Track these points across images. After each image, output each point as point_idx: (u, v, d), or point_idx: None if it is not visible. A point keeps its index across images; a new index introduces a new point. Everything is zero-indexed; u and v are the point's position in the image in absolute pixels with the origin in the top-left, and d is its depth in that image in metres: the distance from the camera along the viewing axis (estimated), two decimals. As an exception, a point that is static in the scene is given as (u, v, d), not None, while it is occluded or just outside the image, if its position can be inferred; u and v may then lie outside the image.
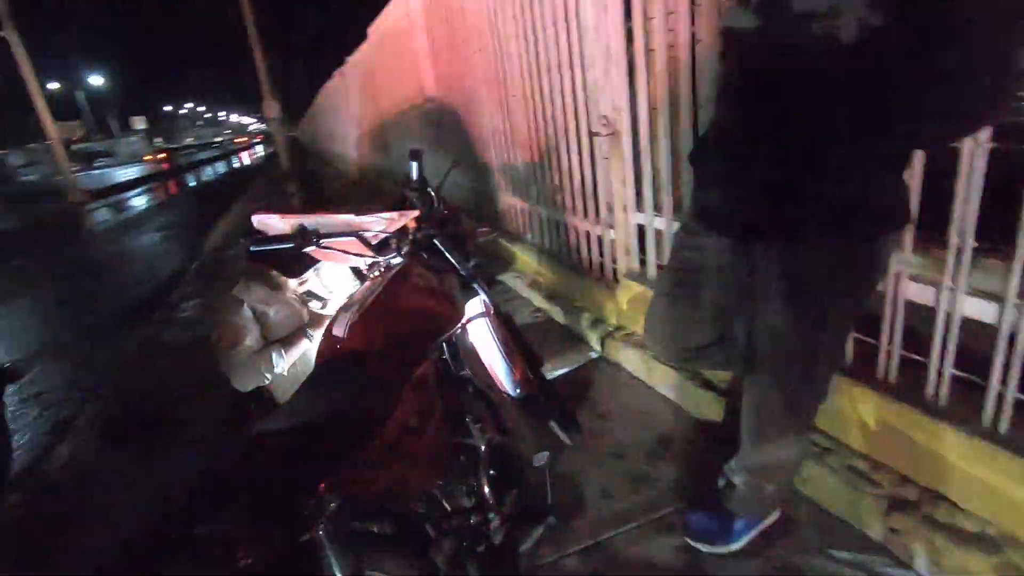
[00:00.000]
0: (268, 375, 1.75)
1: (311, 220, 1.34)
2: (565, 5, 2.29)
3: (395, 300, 1.23)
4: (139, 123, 31.40)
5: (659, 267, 2.20)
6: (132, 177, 23.06)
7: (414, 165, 1.49)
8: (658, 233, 2.14)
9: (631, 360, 2.29)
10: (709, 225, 1.22)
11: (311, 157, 21.16)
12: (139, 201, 15.08)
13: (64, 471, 2.25)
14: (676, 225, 1.98)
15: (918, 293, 1.30)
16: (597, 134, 2.23)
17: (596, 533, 1.53)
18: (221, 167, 27.68)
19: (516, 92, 3.02)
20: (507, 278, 3.58)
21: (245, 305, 1.78)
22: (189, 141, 73.90)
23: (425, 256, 1.53)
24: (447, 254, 1.56)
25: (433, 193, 1.49)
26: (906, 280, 1.31)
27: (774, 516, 1.47)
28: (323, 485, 0.82)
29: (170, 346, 3.43)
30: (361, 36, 6.96)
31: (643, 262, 2.29)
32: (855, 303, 1.18)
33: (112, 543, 0.67)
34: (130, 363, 3.29)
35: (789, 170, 1.02)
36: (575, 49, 2.31)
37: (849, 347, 1.48)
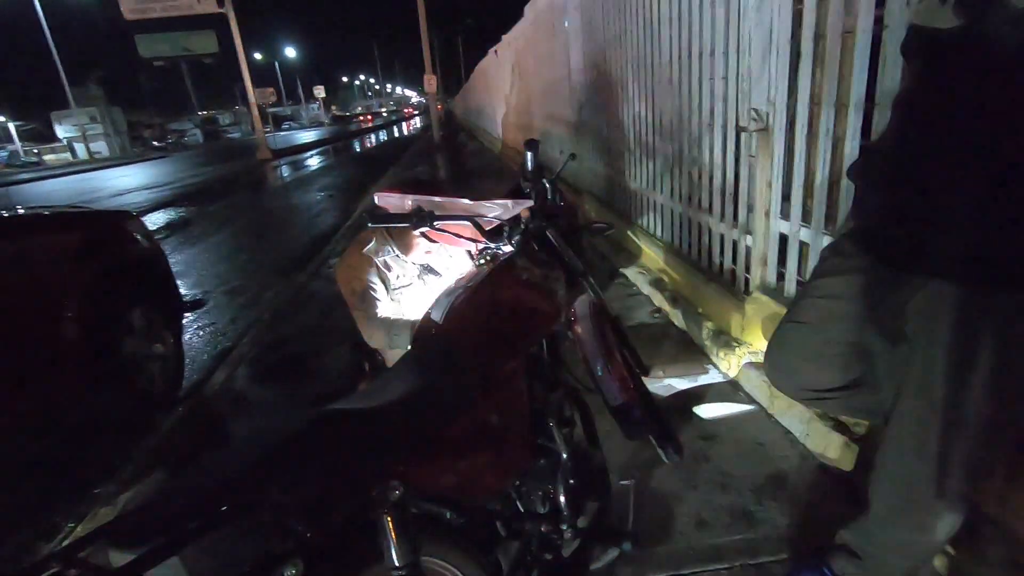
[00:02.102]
0: (394, 343, 1.83)
1: (429, 201, 1.38)
2: (727, -17, 2.08)
3: (496, 292, 1.22)
4: (319, 92, 35.15)
5: (799, 284, 1.95)
6: (310, 140, 26.00)
7: (529, 155, 1.45)
8: (803, 246, 1.89)
9: (752, 382, 2.08)
10: (868, 248, 1.03)
11: (461, 131, 22.13)
12: (312, 161, 16.92)
13: (217, 396, 2.61)
14: (825, 240, 1.73)
15: None
16: (745, 129, 2.01)
17: (680, 564, 1.42)
18: (383, 135, 30.06)
19: (663, 78, 2.84)
20: (630, 272, 3.44)
21: (374, 266, 1.88)
22: (359, 110, 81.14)
23: (535, 248, 1.50)
24: (558, 248, 1.51)
25: (548, 184, 1.44)
26: None
27: (899, 597, 1.24)
28: (391, 469, 0.83)
29: (315, 297, 3.81)
30: (519, 15, 7.03)
31: (781, 276, 2.05)
32: None
33: (231, 471, 0.73)
34: (282, 308, 3.72)
35: (1005, 200, 0.81)
36: (731, 33, 2.09)
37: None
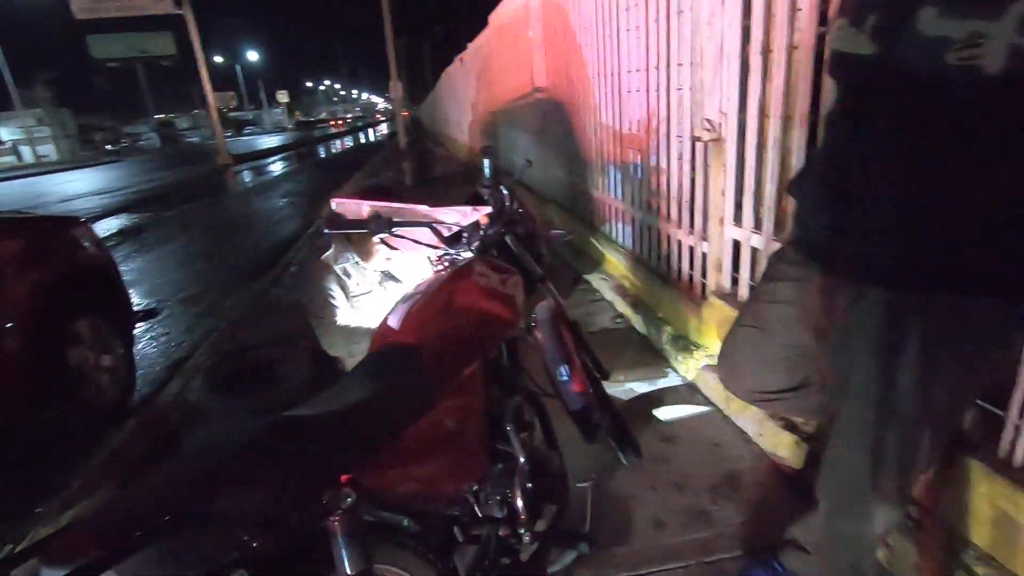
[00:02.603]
0: (350, 350, 1.82)
1: (387, 207, 1.37)
2: (681, -4, 2.15)
3: (453, 297, 1.22)
4: (282, 97, 34.42)
5: (752, 288, 2.02)
6: (273, 145, 25.46)
7: (486, 162, 1.47)
8: (754, 252, 1.96)
9: (709, 384, 2.13)
10: (808, 258, 1.07)
11: (427, 137, 22.06)
12: (275, 167, 16.58)
13: (171, 407, 2.52)
14: (775, 246, 1.80)
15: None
16: (699, 139, 2.07)
17: (639, 565, 1.44)
18: (348, 141, 29.69)
19: (623, 87, 2.91)
20: (593, 278, 3.49)
21: (333, 273, 1.86)
22: (324, 115, 79.90)
23: (495, 254, 1.51)
24: (517, 254, 1.53)
25: (506, 191, 1.46)
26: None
27: (844, 589, 1.29)
28: (345, 477, 0.82)
29: (276, 304, 3.73)
30: (485, 23, 7.07)
31: (735, 281, 2.11)
32: (984, 371, 0.99)
33: (177, 482, 0.72)
34: (241, 316, 3.63)
35: (921, 212, 0.87)
36: (686, 45, 2.16)
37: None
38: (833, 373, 1.09)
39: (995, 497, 1.17)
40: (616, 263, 3.29)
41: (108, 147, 33.59)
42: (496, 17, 6.23)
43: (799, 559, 1.27)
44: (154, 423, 2.40)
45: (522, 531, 1.16)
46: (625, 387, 2.28)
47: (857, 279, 0.96)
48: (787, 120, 1.72)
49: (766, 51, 1.76)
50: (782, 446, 1.74)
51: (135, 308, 3.00)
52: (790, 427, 1.74)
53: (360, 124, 57.88)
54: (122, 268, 3.00)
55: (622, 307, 3.00)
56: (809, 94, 1.62)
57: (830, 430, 1.16)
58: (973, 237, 0.83)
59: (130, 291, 2.93)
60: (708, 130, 2.02)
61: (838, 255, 0.98)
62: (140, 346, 3.34)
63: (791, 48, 1.66)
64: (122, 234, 7.32)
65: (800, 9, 1.60)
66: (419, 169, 10.83)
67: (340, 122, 65.88)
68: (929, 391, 0.95)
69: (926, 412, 0.98)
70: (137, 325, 3.60)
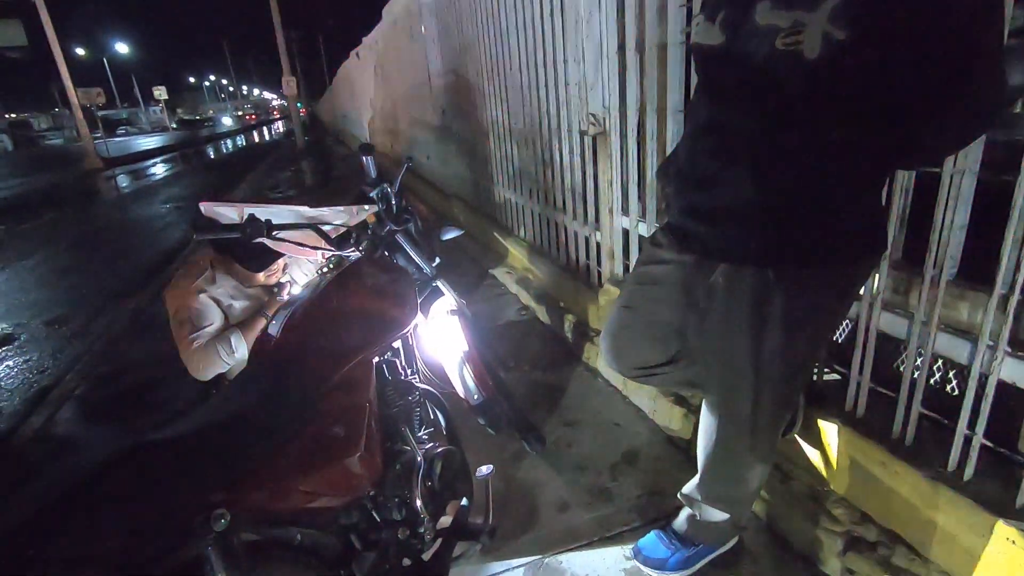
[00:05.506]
0: (228, 361, 1.71)
1: (262, 209, 1.30)
2: (562, -5, 2.21)
3: (339, 300, 1.18)
4: (160, 93, 31.24)
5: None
6: (152, 147, 23.20)
7: (368, 160, 1.44)
8: (641, 239, 2.07)
9: (608, 368, 2.23)
10: (673, 240, 1.15)
11: (327, 135, 21.17)
12: (155, 171, 15.14)
13: (32, 442, 2.25)
14: (658, 233, 1.91)
15: (892, 325, 1.22)
16: (585, 133, 2.15)
17: (543, 548, 1.48)
18: (240, 140, 27.76)
19: (515, 84, 2.95)
20: (498, 273, 3.53)
21: (207, 295, 1.75)
22: (211, 114, 74.25)
23: (386, 254, 1.48)
24: (410, 252, 1.51)
25: (390, 190, 1.43)
26: (879, 310, 1.23)
27: (730, 544, 1.41)
28: (216, 497, 0.77)
29: (158, 320, 3.42)
30: (379, 16, 6.87)
31: (627, 268, 2.22)
32: (822, 332, 1.11)
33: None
34: (116, 336, 3.30)
35: (757, 191, 0.95)
36: (570, 42, 2.23)
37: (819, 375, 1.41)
38: (700, 346, 1.18)
39: (845, 446, 1.33)
40: (519, 256, 3.35)
41: (-54, 151, 29.12)
42: (389, 11, 6.08)
43: (687, 522, 1.37)
44: (9, 466, 2.12)
45: (423, 531, 1.15)
46: (530, 377, 2.33)
47: (709, 257, 1.05)
48: (662, 114, 1.82)
49: (641, 48, 1.86)
50: (674, 420, 1.86)
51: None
52: (680, 401, 1.86)
53: (253, 124, 54.62)
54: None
55: (526, 299, 3.06)
56: (681, 89, 1.73)
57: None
58: (805, 212, 0.93)
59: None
60: (593, 124, 2.11)
61: (693, 235, 1.06)
62: (-5, 376, 2.94)
63: (662, 45, 1.76)
64: (-35, 251, 6.38)
65: (666, 7, 1.70)
66: (319, 171, 10.38)
67: (253, 116, 64.79)
68: (785, 355, 1.06)
69: (782, 373, 1.09)
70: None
